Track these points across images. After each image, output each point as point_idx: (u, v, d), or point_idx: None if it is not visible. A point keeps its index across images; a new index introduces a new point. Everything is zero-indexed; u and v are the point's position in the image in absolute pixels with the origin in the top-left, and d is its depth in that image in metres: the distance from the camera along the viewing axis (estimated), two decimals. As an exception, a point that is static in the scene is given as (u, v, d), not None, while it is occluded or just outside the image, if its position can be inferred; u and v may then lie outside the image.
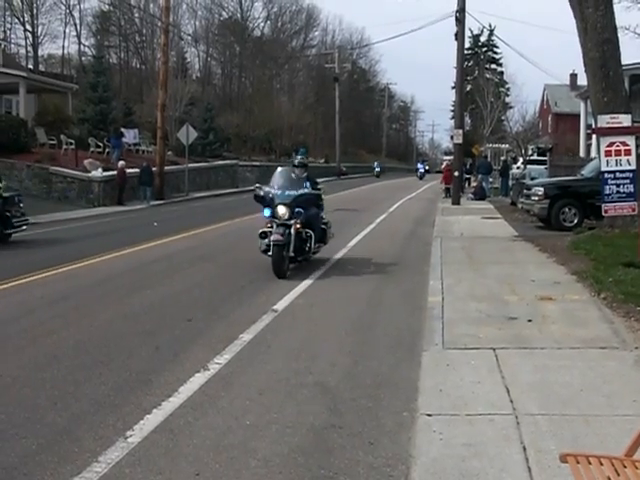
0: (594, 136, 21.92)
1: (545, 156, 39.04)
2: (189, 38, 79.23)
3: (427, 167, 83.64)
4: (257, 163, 54.62)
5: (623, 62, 16.70)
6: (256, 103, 71.81)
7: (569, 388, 6.06)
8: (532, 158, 45.36)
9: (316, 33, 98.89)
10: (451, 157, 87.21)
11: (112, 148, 36.61)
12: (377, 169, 79.70)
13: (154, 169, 33.45)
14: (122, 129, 40.48)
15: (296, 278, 12.11)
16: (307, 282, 11.77)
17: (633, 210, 12.81)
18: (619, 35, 16.16)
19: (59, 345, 7.90)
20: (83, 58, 71.08)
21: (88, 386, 6.48)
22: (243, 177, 48.76)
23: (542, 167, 35.05)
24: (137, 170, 32.30)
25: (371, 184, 55.94)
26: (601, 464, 3.49)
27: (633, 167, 12.47)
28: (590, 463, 3.50)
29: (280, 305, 9.94)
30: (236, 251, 15.87)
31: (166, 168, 34.81)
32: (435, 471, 4.59)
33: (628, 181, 12.56)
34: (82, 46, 73.05)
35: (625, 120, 12.78)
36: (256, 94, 76.46)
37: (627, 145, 12.46)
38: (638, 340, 7.51)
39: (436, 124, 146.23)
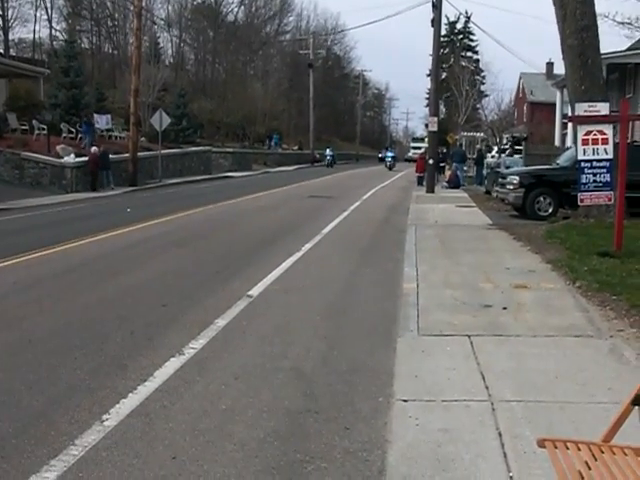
0: (570, 124, 22.05)
1: (520, 145, 39.28)
2: (162, 23, 78.54)
3: (396, 154, 72.97)
4: (231, 149, 54.45)
5: (602, 50, 16.73)
6: (230, 89, 71.41)
7: (544, 375, 6.10)
8: (506, 147, 45.61)
9: (290, 18, 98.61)
10: (421, 144, 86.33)
11: (83, 134, 36.26)
12: (328, 157, 67.05)
13: (126, 155, 33.28)
14: (95, 114, 40.13)
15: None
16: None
17: (609, 200, 12.87)
18: (598, 22, 16.17)
19: (33, 330, 7.84)
20: (54, 42, 70.05)
21: (63, 370, 6.44)
22: (217, 164, 48.55)
23: (517, 156, 35.27)
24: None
25: (345, 172, 55.81)
26: (579, 449, 3.51)
27: (610, 156, 12.48)
28: (568, 448, 3.52)
29: (255, 291, 9.92)
30: (210, 237, 15.82)
31: (139, 154, 34.52)
32: (411, 456, 4.61)
33: (605, 170, 12.57)
34: (53, 30, 72.17)
35: (603, 108, 12.76)
36: (230, 80, 76.06)
37: (604, 134, 12.48)
38: (613, 329, 7.58)
39: (410, 112, 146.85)
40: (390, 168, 61.17)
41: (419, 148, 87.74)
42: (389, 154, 66.06)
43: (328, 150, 68.38)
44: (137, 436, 5.04)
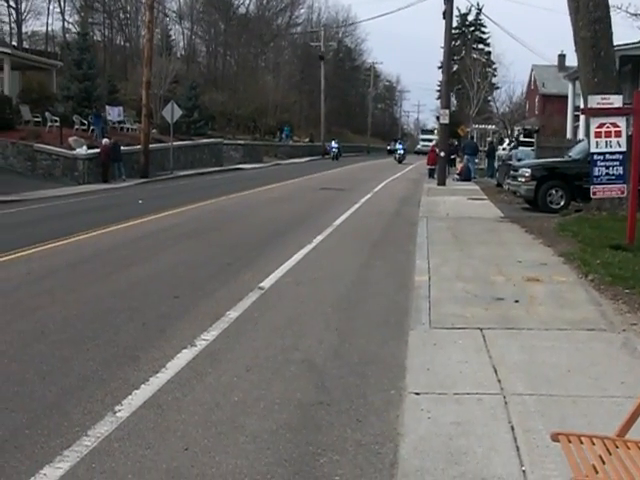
0: (583, 117, 21.91)
1: (531, 137, 39.11)
2: (174, 15, 78.52)
3: (406, 147, 69.10)
4: (242, 142, 54.43)
5: (615, 42, 16.60)
6: (241, 81, 71.49)
7: (556, 369, 6.08)
8: (520, 139, 45.43)
9: (302, 11, 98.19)
10: (430, 136, 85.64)
11: (94, 126, 36.30)
12: (334, 149, 63.09)
13: (138, 147, 33.34)
14: (107, 106, 40.20)
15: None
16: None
17: (622, 192, 12.82)
18: (611, 14, 16.07)
19: (46, 321, 7.86)
20: (67, 35, 69.99)
21: (76, 361, 6.46)
22: (228, 156, 48.57)
23: (522, 148, 35.13)
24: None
25: (356, 164, 55.69)
26: (593, 443, 3.50)
27: (623, 149, 12.44)
28: (582, 442, 3.51)
29: (267, 283, 9.92)
30: (221, 229, 15.84)
31: (151, 146, 34.54)
32: (423, 449, 4.61)
33: (618, 163, 12.54)
34: (66, 23, 72.04)
35: (616, 101, 12.69)
36: (241, 72, 76.02)
37: (618, 126, 12.43)
38: (626, 322, 7.54)
39: (422, 104, 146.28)
40: (400, 161, 58.08)
41: (429, 140, 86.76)
42: (399, 146, 62.79)
43: (333, 142, 64.91)
44: (149, 427, 5.06)
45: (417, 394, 5.54)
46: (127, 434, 4.93)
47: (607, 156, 12.55)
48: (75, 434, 4.92)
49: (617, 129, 12.43)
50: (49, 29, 70.99)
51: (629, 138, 12.44)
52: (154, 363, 6.40)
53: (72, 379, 6.02)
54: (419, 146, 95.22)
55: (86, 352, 6.73)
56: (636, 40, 31.50)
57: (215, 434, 4.96)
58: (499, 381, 5.80)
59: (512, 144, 41.18)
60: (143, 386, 5.83)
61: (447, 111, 31.45)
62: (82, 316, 8.08)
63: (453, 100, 68.70)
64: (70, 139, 31.84)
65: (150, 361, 6.46)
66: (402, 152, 59.96)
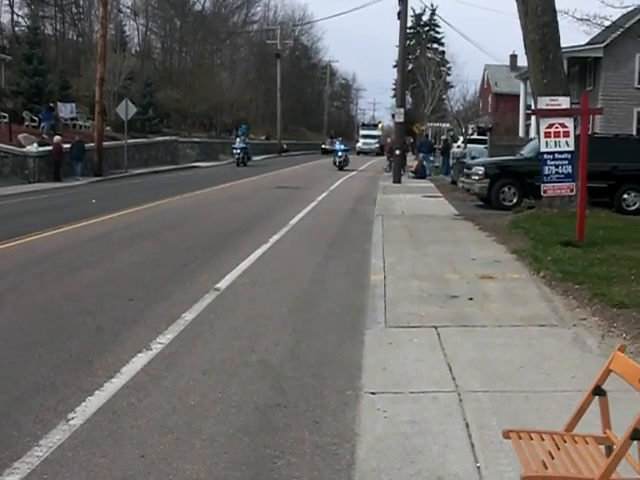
0: (533, 117, 22.34)
1: (485, 135, 39.56)
2: (128, 11, 77.72)
3: (348, 147, 47.21)
4: (197, 139, 54.17)
5: (562, 45, 17.06)
6: (197, 79, 70.95)
7: (509, 365, 6.18)
8: (473, 137, 45.91)
9: (258, 9, 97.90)
10: (373, 132, 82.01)
11: (43, 121, 35.76)
12: (238, 150, 45.91)
13: (92, 144, 32.89)
14: (58, 103, 39.64)
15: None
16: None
17: (571, 190, 13.16)
18: (558, 19, 16.50)
19: (-4, 326, 7.74)
20: (17, 28, 68.78)
21: (27, 368, 6.35)
22: (183, 154, 48.27)
23: (482, 146, 35.53)
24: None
25: (311, 162, 55.66)
26: (542, 439, 3.60)
27: (572, 148, 12.78)
28: (532, 438, 3.60)
29: (223, 284, 9.89)
30: (176, 229, 15.74)
31: (104, 144, 34.15)
32: (380, 449, 4.64)
33: (567, 162, 12.90)
34: (15, 16, 70.82)
35: (564, 102, 13.07)
36: (197, 69, 75.51)
37: (566, 127, 12.78)
38: (576, 317, 7.70)
39: (377, 102, 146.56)
40: (341, 167, 41.85)
41: (372, 137, 79.21)
42: (339, 147, 43.65)
43: (238, 140, 47.96)
44: (104, 435, 4.99)
45: (373, 394, 5.58)
46: (81, 442, 4.86)
47: (556, 155, 12.87)
48: (26, 444, 4.82)
49: (565, 129, 12.76)
50: (-3, 22, 69.60)
51: (577, 138, 12.73)
52: (108, 368, 6.33)
53: (23, 386, 5.91)
54: (360, 144, 79.67)
55: (38, 358, 6.63)
56: (582, 43, 32.40)
57: (172, 440, 4.92)
58: (454, 379, 5.87)
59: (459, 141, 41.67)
60: (97, 392, 5.75)
61: (402, 110, 31.62)
62: (33, 320, 7.96)
63: (408, 98, 69.02)
64: (20, 136, 31.34)
65: (104, 366, 6.39)
66: (342, 154, 42.75)
